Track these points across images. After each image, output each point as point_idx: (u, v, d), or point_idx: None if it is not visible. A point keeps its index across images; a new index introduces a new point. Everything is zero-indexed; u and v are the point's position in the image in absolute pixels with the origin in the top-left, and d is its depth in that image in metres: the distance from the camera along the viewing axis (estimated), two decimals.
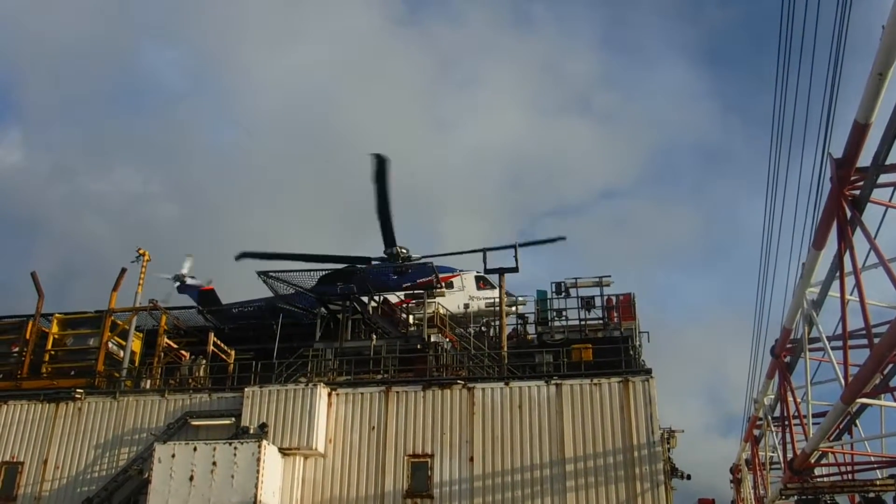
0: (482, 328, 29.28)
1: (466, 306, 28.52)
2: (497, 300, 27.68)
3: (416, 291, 28.87)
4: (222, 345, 29.62)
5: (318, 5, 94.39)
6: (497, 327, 27.33)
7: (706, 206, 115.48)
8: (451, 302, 28.34)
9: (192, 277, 29.57)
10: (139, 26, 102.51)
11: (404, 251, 29.09)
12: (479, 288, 28.59)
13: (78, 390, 25.73)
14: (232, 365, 28.68)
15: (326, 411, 23.58)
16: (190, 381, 27.40)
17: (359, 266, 28.58)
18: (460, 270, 28.72)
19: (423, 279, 28.39)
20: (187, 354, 29.48)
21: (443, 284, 28.01)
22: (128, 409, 25.20)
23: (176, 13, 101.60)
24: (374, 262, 28.83)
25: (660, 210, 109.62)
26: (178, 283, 29.53)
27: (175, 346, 29.72)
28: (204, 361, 28.28)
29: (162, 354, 28.46)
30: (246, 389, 23.95)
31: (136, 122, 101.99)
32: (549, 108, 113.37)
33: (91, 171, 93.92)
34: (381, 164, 26.87)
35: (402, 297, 29.82)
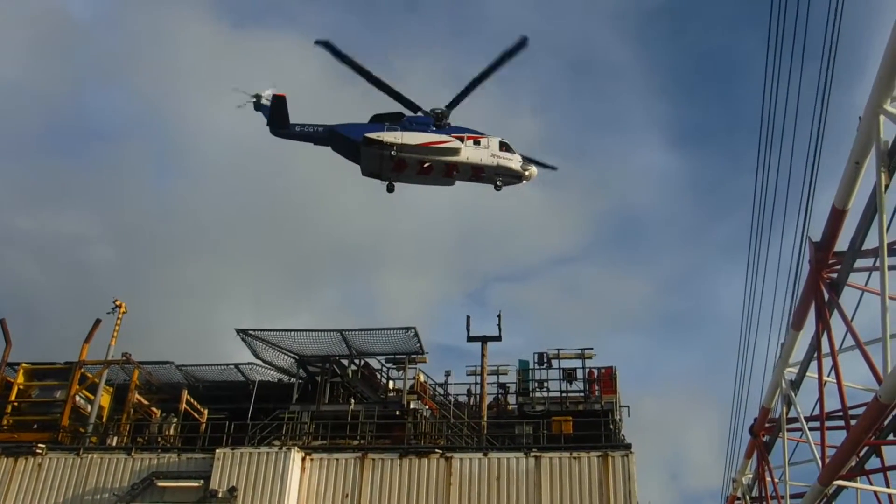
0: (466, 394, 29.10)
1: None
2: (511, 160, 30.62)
3: (397, 356, 28.69)
4: (195, 403, 29.08)
5: (260, 53, 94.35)
6: (478, 396, 27.16)
7: (660, 274, 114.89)
8: (475, 154, 30.24)
9: (269, 100, 30.11)
10: (81, 67, 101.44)
11: (439, 109, 30.56)
12: (500, 149, 30.71)
13: (39, 445, 24.83)
14: (204, 424, 28.08)
15: (300, 477, 23.08)
16: (159, 439, 26.76)
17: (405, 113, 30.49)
18: (487, 135, 31.00)
19: (458, 134, 30.34)
20: (158, 412, 28.87)
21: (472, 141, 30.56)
22: (91, 466, 24.36)
23: (118, 56, 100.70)
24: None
25: (612, 277, 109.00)
26: (254, 100, 30.22)
27: (146, 402, 29.13)
28: (175, 420, 27.70)
29: (132, 411, 27.83)
30: (217, 451, 23.40)
31: (72, 162, 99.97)
32: None
33: (23, 210, 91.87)
34: (330, 48, 27.13)
35: (384, 362, 29.62)
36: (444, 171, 30.52)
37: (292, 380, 30.07)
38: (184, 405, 28.18)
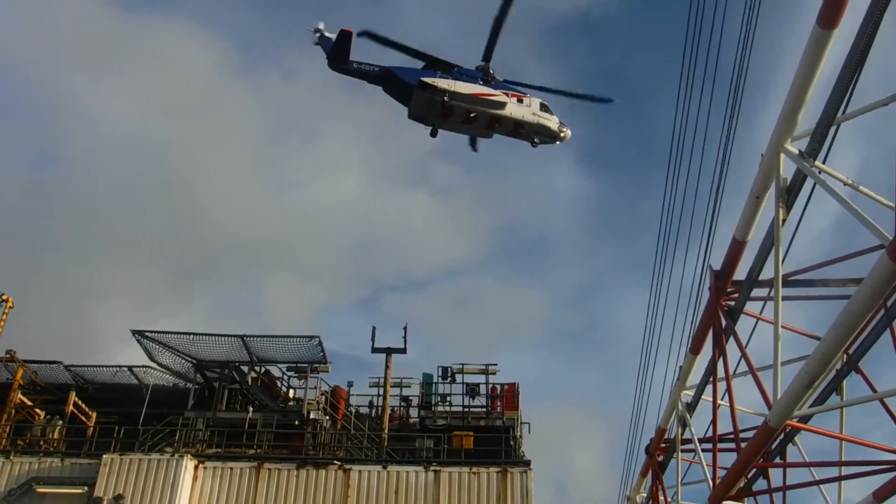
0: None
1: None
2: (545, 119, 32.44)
3: (299, 365, 28.10)
4: (83, 405, 27.65)
5: (153, 45, 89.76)
6: (380, 407, 26.94)
7: (558, 291, 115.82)
8: (518, 110, 31.87)
9: (330, 36, 30.38)
10: None
11: (483, 65, 32.04)
12: (541, 110, 32.37)
13: None
14: (91, 428, 26.71)
15: (191, 485, 22.26)
16: (42, 443, 25.30)
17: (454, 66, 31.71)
18: (530, 95, 32.62)
19: (502, 90, 31.85)
20: (42, 413, 27.31)
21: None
22: None
23: None
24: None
25: (509, 292, 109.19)
26: (317, 34, 30.60)
27: (29, 403, 27.51)
28: (60, 422, 26.26)
29: (13, 412, 26.22)
30: (104, 456, 22.42)
31: None
32: (390, 176, 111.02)
33: None
34: (372, 36, 29.23)
35: (284, 370, 28.94)
36: (486, 122, 31.87)
37: (188, 385, 29.05)
38: (70, 407, 26.76)
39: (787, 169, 11.23)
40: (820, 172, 10.41)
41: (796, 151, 10.68)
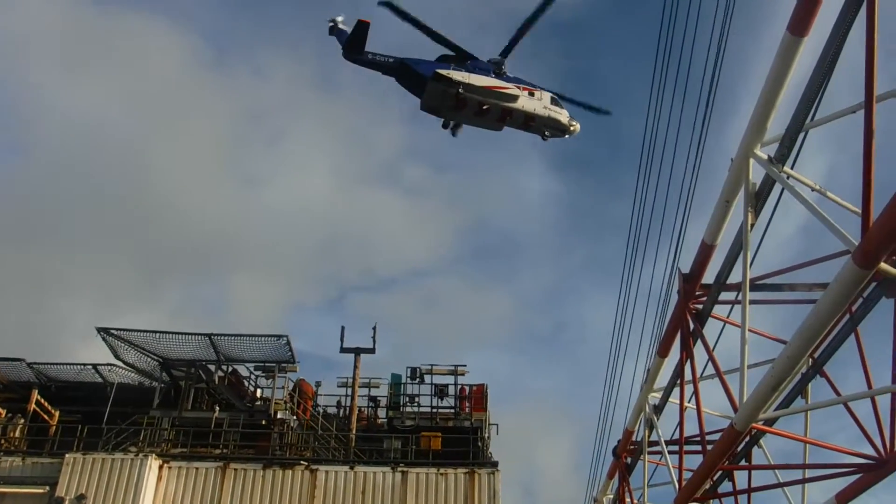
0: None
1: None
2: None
3: (267, 364, 27.82)
4: (46, 404, 27.14)
5: (121, 39, 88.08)
6: (348, 408, 26.78)
7: (525, 293, 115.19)
8: (530, 103, 32.07)
9: (345, 27, 30.29)
10: None
11: (496, 59, 32.28)
12: (552, 103, 32.61)
13: None
14: (54, 427, 26.22)
15: (155, 485, 21.92)
16: (2, 442, 24.79)
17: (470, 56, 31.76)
18: (540, 88, 32.86)
19: (514, 84, 32.00)
20: (3, 412, 26.78)
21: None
22: None
23: None
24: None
25: (475, 293, 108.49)
26: (331, 25, 30.49)
27: None
28: (22, 421, 25.75)
29: None
30: (67, 455, 22.01)
31: None
32: (358, 176, 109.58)
33: None
34: (393, 8, 28.84)
35: (252, 369, 28.64)
36: (498, 115, 31.95)
37: (154, 383, 28.63)
38: (33, 405, 26.26)
39: (756, 174, 11.35)
40: (788, 178, 10.53)
41: (765, 157, 10.80)
